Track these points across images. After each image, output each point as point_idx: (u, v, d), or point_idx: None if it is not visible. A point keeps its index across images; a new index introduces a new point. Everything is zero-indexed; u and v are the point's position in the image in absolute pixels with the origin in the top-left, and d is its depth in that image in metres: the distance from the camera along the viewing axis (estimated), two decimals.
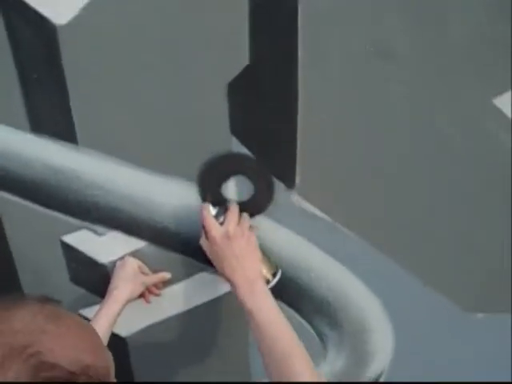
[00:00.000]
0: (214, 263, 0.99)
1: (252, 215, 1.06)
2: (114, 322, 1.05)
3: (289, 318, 1.02)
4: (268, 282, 1.01)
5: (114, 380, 0.70)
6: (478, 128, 1.00)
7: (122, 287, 1.08)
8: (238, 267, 0.96)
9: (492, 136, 1.00)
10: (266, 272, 1.02)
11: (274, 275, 1.03)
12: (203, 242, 1.01)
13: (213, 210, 1.01)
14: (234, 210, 1.01)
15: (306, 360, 0.90)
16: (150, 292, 1.14)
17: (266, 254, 1.04)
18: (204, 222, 0.99)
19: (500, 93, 0.98)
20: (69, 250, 1.14)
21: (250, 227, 1.01)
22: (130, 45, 0.95)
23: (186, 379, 1.23)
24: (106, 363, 0.67)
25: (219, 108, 0.99)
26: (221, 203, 1.03)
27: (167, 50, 0.96)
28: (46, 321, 0.64)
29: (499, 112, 0.99)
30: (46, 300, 0.67)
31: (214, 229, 0.98)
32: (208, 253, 1.00)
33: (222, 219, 1.00)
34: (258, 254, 1.01)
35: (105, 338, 1.00)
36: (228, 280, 0.97)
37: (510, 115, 0.98)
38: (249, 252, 0.99)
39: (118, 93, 0.99)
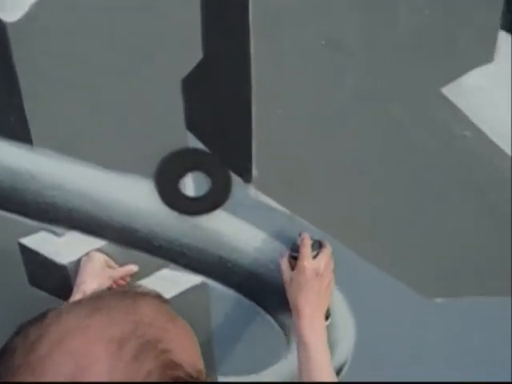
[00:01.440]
0: (290, 288, 1.04)
1: (210, 210, 1.08)
2: None
3: (251, 311, 1.06)
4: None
5: None
6: (428, 116, 1.03)
7: (90, 281, 1.07)
8: (313, 302, 1.01)
9: (441, 124, 1.03)
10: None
11: (327, 318, 1.08)
12: (286, 264, 1.06)
13: (310, 241, 1.05)
14: (327, 247, 1.07)
15: None
16: (118, 286, 1.14)
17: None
18: (302, 249, 1.03)
19: (448, 82, 1.01)
20: (27, 252, 1.12)
21: (332, 272, 1.06)
22: (82, 42, 0.95)
23: None
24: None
25: (174, 104, 1.00)
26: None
27: (120, 47, 0.96)
28: (166, 319, 0.63)
29: (447, 101, 1.02)
30: (161, 297, 0.67)
31: (308, 260, 1.03)
32: (286, 276, 1.05)
33: (314, 253, 1.04)
34: (330, 298, 1.06)
35: None
36: (296, 305, 1.01)
37: (457, 104, 1.02)
38: (327, 294, 1.05)
39: (72, 91, 0.98)
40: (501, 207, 1.09)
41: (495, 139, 1.05)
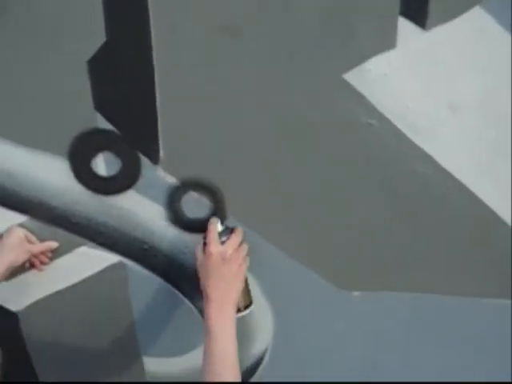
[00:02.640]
0: (200, 273, 1.04)
1: (122, 189, 1.11)
2: None
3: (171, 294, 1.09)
4: (239, 310, 1.06)
5: None
6: (331, 104, 1.03)
7: (5, 254, 1.12)
8: (220, 287, 1.01)
9: (346, 112, 1.03)
10: (240, 302, 1.06)
11: (246, 308, 1.08)
12: (199, 251, 1.05)
13: (220, 227, 1.06)
14: (238, 234, 1.06)
15: None
16: (40, 260, 1.18)
17: (248, 287, 1.09)
18: (208, 235, 1.04)
19: (350, 68, 1.01)
20: None
21: (245, 257, 1.05)
22: None
23: (81, 354, 1.26)
24: None
25: (82, 85, 1.04)
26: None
27: (29, 29, 1.01)
28: None
29: (350, 87, 1.02)
30: None
31: (215, 245, 1.03)
32: (199, 262, 1.05)
33: (224, 238, 1.04)
34: (242, 285, 1.06)
35: None
36: (205, 290, 1.02)
37: (359, 89, 1.01)
38: (236, 279, 1.04)
39: None
40: (407, 195, 1.07)
41: (401, 127, 1.03)
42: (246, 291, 1.09)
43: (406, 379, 1.24)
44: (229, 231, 1.06)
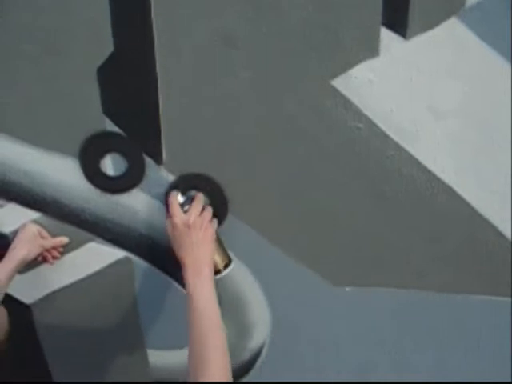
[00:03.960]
0: (173, 246, 1.09)
1: (128, 188, 1.19)
2: (9, 279, 1.17)
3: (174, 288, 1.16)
4: (219, 271, 1.12)
5: None
6: (321, 109, 1.10)
7: (19, 248, 1.21)
8: (191, 253, 1.06)
9: (334, 116, 1.10)
10: (219, 263, 1.13)
11: (226, 267, 1.14)
12: (168, 224, 1.11)
13: (181, 199, 1.13)
14: (198, 201, 1.12)
15: (222, 357, 0.98)
16: (52, 255, 1.27)
17: (223, 247, 1.15)
18: (170, 208, 1.11)
19: (337, 75, 1.08)
20: None
21: (211, 220, 1.12)
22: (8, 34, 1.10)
23: (89, 345, 1.34)
24: None
25: (91, 91, 1.13)
26: (187, 193, 1.14)
27: (46, 43, 1.10)
28: None
29: (338, 93, 1.09)
30: None
31: (178, 216, 1.09)
32: (169, 235, 1.10)
33: (186, 208, 1.11)
34: (213, 246, 1.10)
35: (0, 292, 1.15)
36: (180, 260, 1.07)
37: (346, 94, 1.09)
38: (204, 242, 1.08)
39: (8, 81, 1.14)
40: (394, 195, 1.14)
41: (386, 130, 1.10)
42: (222, 252, 1.14)
43: (398, 375, 1.29)
44: (190, 200, 1.12)
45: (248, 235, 1.20)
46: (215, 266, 1.11)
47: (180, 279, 1.26)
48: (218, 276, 1.10)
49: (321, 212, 1.18)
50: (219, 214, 1.18)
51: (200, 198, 1.12)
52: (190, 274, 1.04)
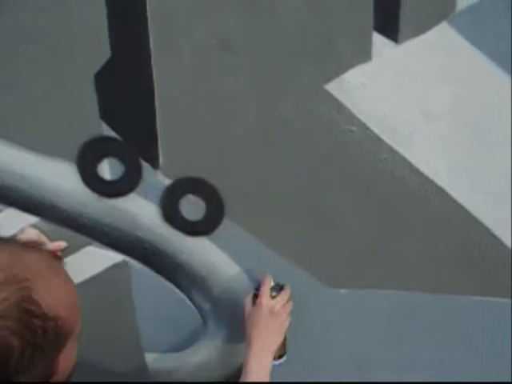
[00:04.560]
0: (248, 321, 1.17)
1: (125, 193, 1.21)
2: None
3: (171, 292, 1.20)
4: (273, 359, 1.18)
5: (74, 345, 0.88)
6: (315, 112, 1.12)
7: None
8: (263, 336, 1.14)
9: (328, 120, 1.12)
10: (276, 352, 1.19)
11: (280, 358, 1.21)
12: (248, 300, 1.19)
13: (272, 283, 1.19)
14: (287, 292, 1.19)
15: None
16: None
17: (285, 340, 1.21)
18: (262, 288, 1.17)
19: (330, 79, 1.10)
20: None
21: (288, 314, 1.18)
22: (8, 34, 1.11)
23: (86, 349, 1.35)
24: (74, 324, 0.86)
25: (89, 96, 1.15)
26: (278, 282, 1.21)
27: (45, 47, 1.12)
28: (48, 269, 0.82)
29: (332, 97, 1.11)
30: (55, 255, 0.95)
31: (266, 298, 1.16)
32: (247, 310, 1.18)
33: (274, 294, 1.17)
34: (282, 338, 1.18)
35: None
36: (249, 336, 1.14)
37: (339, 98, 1.11)
38: (278, 331, 1.17)
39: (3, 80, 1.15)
40: (387, 197, 1.15)
41: (379, 133, 1.12)
42: (283, 343, 1.21)
43: (393, 376, 1.30)
44: (279, 288, 1.19)
45: (243, 238, 1.21)
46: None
47: (182, 285, 1.29)
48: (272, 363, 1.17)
49: (315, 214, 1.19)
50: (215, 217, 1.20)
51: (288, 290, 1.19)
52: (252, 354, 1.13)
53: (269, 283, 1.18)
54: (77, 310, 0.88)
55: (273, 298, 1.16)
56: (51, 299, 0.80)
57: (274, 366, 1.17)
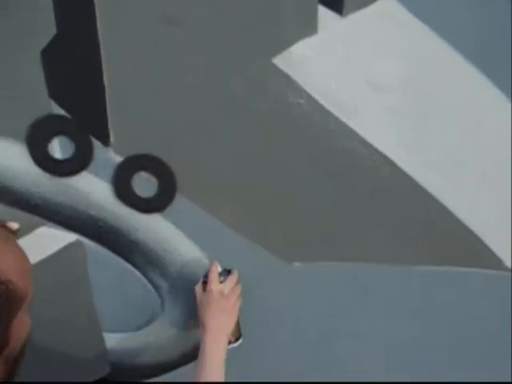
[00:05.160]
0: (200, 307, 1.20)
1: (76, 171, 1.20)
2: None
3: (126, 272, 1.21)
4: (229, 342, 1.22)
5: (26, 314, 0.89)
6: (263, 86, 1.13)
7: None
8: (216, 319, 1.18)
9: (276, 93, 1.13)
10: (232, 335, 1.23)
11: (237, 340, 1.26)
12: (199, 287, 1.22)
13: (219, 268, 1.22)
14: (234, 275, 1.23)
15: None
16: None
17: (238, 323, 1.25)
18: (209, 275, 1.20)
19: (278, 53, 1.11)
20: None
21: (239, 296, 1.22)
22: None
23: (43, 331, 1.34)
24: (26, 291, 0.87)
25: (36, 75, 1.14)
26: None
27: None
28: None
29: (279, 70, 1.12)
30: (5, 226, 0.95)
31: (215, 284, 1.19)
32: (198, 297, 1.21)
33: (222, 279, 1.20)
34: (236, 319, 1.22)
35: None
36: (204, 322, 1.18)
37: (287, 72, 1.12)
38: (230, 313, 1.20)
39: None
40: (337, 169, 1.17)
41: (327, 106, 1.14)
42: (237, 326, 1.25)
43: (352, 348, 1.33)
44: (226, 273, 1.22)
45: (197, 214, 1.22)
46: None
47: (137, 263, 1.29)
48: (229, 346, 1.21)
49: (266, 188, 1.20)
50: (167, 193, 1.20)
51: (236, 274, 1.23)
52: (209, 337, 1.16)
53: (216, 269, 1.21)
54: (28, 278, 0.89)
55: (221, 282, 1.20)
56: (2, 264, 0.81)
57: (230, 350, 1.20)
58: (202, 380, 1.12)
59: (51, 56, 1.12)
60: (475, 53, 1.14)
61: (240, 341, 1.27)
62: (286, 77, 1.12)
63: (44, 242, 1.26)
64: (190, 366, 1.33)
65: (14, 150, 1.19)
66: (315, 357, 1.34)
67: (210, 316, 1.17)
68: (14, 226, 1.26)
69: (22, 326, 0.86)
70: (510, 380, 1.32)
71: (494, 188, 1.22)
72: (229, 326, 1.20)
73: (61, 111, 1.16)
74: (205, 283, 1.21)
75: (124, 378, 1.39)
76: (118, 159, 1.19)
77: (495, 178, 1.22)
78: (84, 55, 1.12)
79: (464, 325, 1.30)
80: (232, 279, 1.21)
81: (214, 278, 1.19)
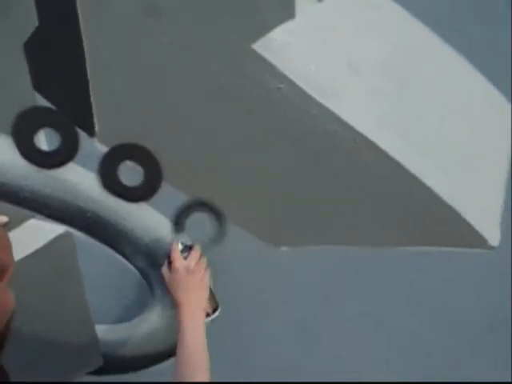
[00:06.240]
0: (170, 288, 1.20)
1: (63, 162, 1.22)
2: None
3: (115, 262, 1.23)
4: (208, 315, 1.24)
5: (8, 289, 0.92)
6: (243, 72, 1.15)
7: None
8: (188, 296, 1.17)
9: (256, 78, 1.15)
10: (208, 307, 1.24)
11: (214, 311, 1.27)
12: (165, 269, 1.22)
13: (180, 246, 1.22)
14: (197, 249, 1.23)
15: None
16: None
17: (212, 293, 1.26)
18: (172, 254, 1.21)
19: (257, 38, 1.13)
20: None
21: (206, 268, 1.22)
22: None
23: (33, 326, 1.35)
24: (6, 263, 0.91)
25: (20, 67, 1.15)
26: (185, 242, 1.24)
27: None
28: None
29: (259, 56, 1.14)
30: None
31: (179, 261, 1.20)
32: (166, 278, 1.21)
33: (185, 254, 1.21)
34: (207, 291, 1.22)
35: None
36: (177, 301, 1.17)
37: (266, 57, 1.13)
38: (201, 287, 1.20)
39: None
40: (319, 152, 1.19)
41: (307, 89, 1.15)
42: (212, 297, 1.26)
43: (339, 332, 1.34)
44: (188, 248, 1.23)
45: (183, 201, 1.23)
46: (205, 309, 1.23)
47: (126, 252, 1.30)
48: (207, 319, 1.22)
49: (251, 173, 1.22)
50: (153, 181, 1.22)
51: (198, 248, 1.23)
52: (184, 315, 1.15)
53: (177, 248, 1.21)
54: (9, 252, 0.91)
55: (185, 258, 1.20)
56: None
57: (211, 322, 1.22)
58: (187, 358, 1.10)
59: (34, 48, 1.14)
60: (453, 34, 1.16)
61: (218, 311, 1.27)
62: (266, 62, 1.13)
63: (33, 234, 1.28)
64: None
65: (0, 144, 1.21)
66: (304, 342, 1.36)
67: (180, 294, 1.17)
68: (3, 219, 1.28)
69: (5, 299, 0.87)
70: (510, 380, 1.33)
71: (477, 168, 1.24)
72: (202, 299, 1.20)
73: (45, 103, 1.18)
74: (170, 264, 1.21)
75: (117, 369, 1.40)
76: (104, 149, 1.20)
77: (478, 157, 1.24)
78: (67, 46, 1.14)
79: (453, 305, 1.32)
80: (195, 253, 1.22)
81: (176, 256, 1.20)
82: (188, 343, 1.12)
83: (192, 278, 1.18)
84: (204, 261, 1.22)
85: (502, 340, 1.34)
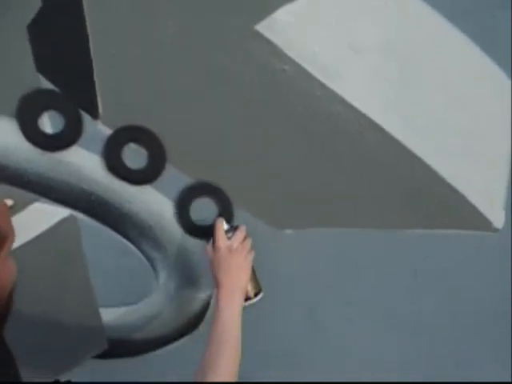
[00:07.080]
0: (212, 267, 1.19)
1: (67, 145, 1.22)
2: None
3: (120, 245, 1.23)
4: (249, 298, 1.21)
5: (9, 260, 0.90)
6: (247, 53, 1.15)
7: None
8: (229, 276, 1.16)
9: (258, 57, 1.15)
10: (250, 290, 1.22)
11: (256, 295, 1.23)
12: (209, 247, 1.21)
13: (225, 226, 1.21)
14: (242, 230, 1.22)
15: (232, 367, 1.08)
16: None
17: (255, 277, 1.23)
18: (215, 233, 1.20)
19: (260, 20, 1.13)
20: None
21: (250, 250, 1.20)
22: None
23: (38, 309, 1.36)
24: (6, 233, 0.90)
25: (24, 50, 1.15)
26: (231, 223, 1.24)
27: None
28: None
29: (263, 37, 1.14)
30: None
31: (222, 240, 1.19)
32: (209, 257, 1.20)
33: (230, 235, 1.20)
34: (249, 274, 1.20)
35: None
36: (217, 280, 1.16)
37: (270, 38, 1.13)
38: (242, 268, 1.18)
39: None
40: (324, 134, 1.19)
41: (311, 71, 1.15)
42: (255, 280, 1.23)
43: (343, 315, 1.34)
44: (233, 228, 1.22)
45: (187, 184, 1.23)
46: (246, 292, 1.20)
47: (131, 236, 1.30)
48: (248, 303, 1.20)
49: (255, 156, 1.22)
50: (157, 164, 1.22)
51: (243, 229, 1.22)
52: (223, 295, 1.15)
53: (221, 226, 1.20)
54: (8, 220, 0.90)
55: (229, 239, 1.19)
56: None
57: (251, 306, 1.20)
58: (216, 338, 1.09)
59: (37, 30, 1.14)
60: (457, 14, 1.15)
61: (261, 294, 1.23)
62: (270, 43, 1.13)
63: (37, 218, 1.28)
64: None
65: (4, 126, 1.20)
66: (307, 324, 1.36)
67: (221, 273, 1.16)
68: (9, 202, 1.29)
69: (6, 268, 0.87)
70: (510, 380, 1.34)
71: (481, 150, 1.24)
72: (241, 282, 1.18)
73: (49, 85, 1.18)
74: (214, 243, 1.20)
75: (122, 353, 1.40)
76: (108, 132, 1.20)
77: (483, 139, 1.23)
78: (70, 28, 1.14)
79: (456, 288, 1.32)
80: (240, 234, 1.20)
81: (220, 235, 1.19)
82: (223, 325, 1.11)
83: (234, 258, 1.17)
84: (248, 242, 1.21)
85: (503, 334, 1.35)
